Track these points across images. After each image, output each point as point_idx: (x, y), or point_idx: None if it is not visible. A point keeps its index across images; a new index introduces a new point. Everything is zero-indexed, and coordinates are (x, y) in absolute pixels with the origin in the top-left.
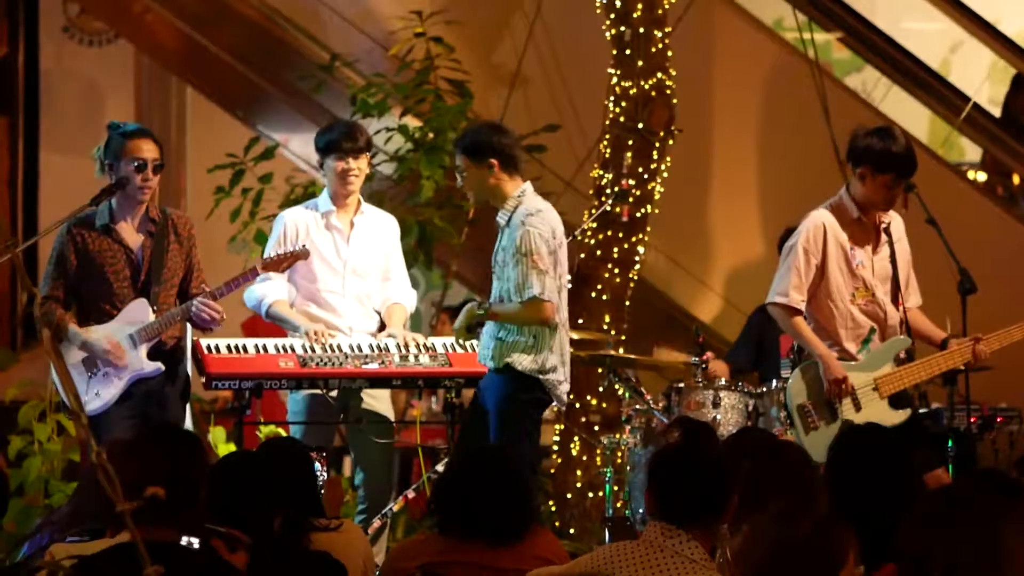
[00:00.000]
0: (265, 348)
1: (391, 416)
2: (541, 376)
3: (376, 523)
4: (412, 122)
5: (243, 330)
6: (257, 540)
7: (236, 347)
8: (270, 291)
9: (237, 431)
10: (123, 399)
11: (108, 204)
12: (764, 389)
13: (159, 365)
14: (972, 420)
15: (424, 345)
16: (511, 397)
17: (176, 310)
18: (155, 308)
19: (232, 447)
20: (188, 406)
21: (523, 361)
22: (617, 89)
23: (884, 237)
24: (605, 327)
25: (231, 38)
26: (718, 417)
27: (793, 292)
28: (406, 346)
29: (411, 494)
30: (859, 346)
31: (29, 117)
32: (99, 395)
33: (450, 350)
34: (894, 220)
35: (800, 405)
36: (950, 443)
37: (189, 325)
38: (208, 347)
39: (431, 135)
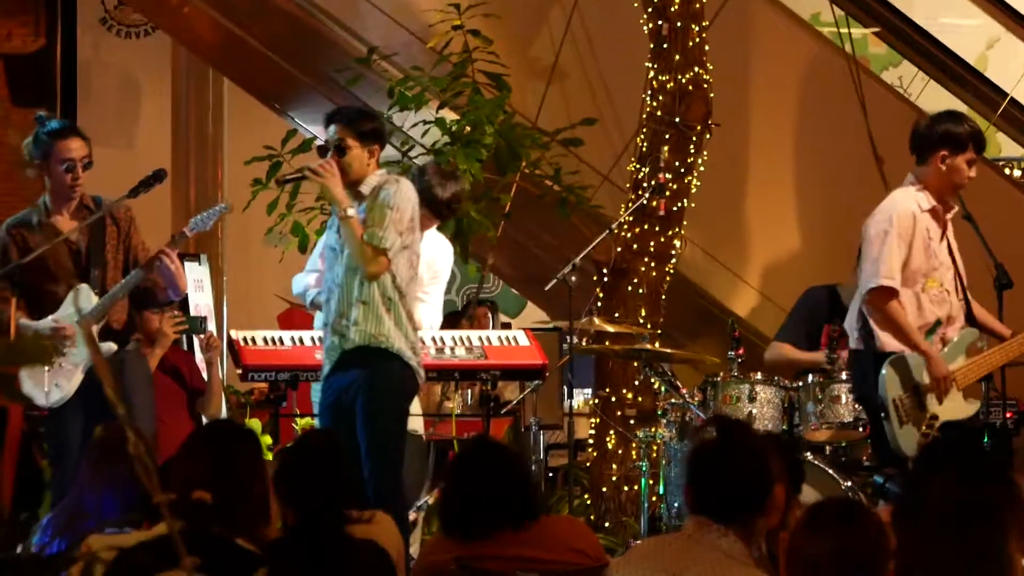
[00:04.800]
0: (301, 340)
1: (420, 409)
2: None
3: (412, 515)
4: (449, 115)
5: (279, 322)
6: (311, 526)
7: (272, 339)
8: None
9: (273, 423)
10: (82, 390)
11: (44, 200)
12: (801, 383)
13: (111, 345)
14: (1008, 416)
15: (460, 338)
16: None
17: (128, 277)
18: (98, 291)
19: (268, 439)
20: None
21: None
22: (654, 83)
23: (948, 228)
24: (641, 321)
25: (269, 31)
26: (754, 412)
27: (896, 275)
28: (440, 339)
29: None
30: (923, 337)
31: (66, 109)
32: (59, 386)
33: (485, 343)
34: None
35: (895, 399)
36: (985, 439)
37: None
38: (244, 339)
39: (468, 128)
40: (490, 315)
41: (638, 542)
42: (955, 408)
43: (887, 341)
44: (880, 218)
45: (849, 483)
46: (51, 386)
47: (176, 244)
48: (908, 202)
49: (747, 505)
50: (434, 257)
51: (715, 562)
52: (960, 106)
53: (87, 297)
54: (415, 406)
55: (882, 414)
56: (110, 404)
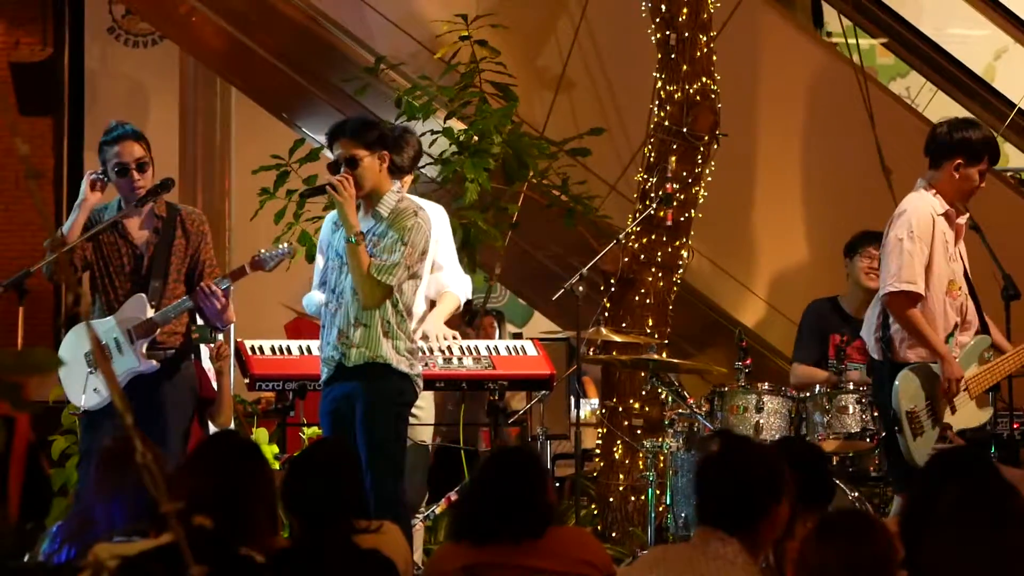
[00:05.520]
0: (309, 349)
1: (430, 418)
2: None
3: (418, 525)
4: (457, 125)
5: (286, 332)
6: (317, 536)
7: (279, 348)
8: None
9: (280, 432)
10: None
11: (118, 200)
12: (808, 394)
13: (154, 363)
14: (1015, 426)
15: (467, 348)
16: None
17: (177, 302)
18: (154, 304)
19: (275, 449)
20: (231, 413)
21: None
22: (662, 93)
23: (962, 234)
24: (648, 331)
25: (276, 40)
26: (761, 422)
27: (919, 279)
28: (448, 348)
29: (454, 496)
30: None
31: (73, 118)
32: (97, 391)
33: (493, 352)
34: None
35: (909, 411)
36: (992, 449)
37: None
38: (252, 348)
39: (475, 138)
40: (496, 325)
41: (645, 551)
42: (968, 416)
43: (906, 352)
44: (899, 222)
45: (856, 494)
46: (89, 390)
47: (236, 278)
48: (925, 206)
49: (748, 514)
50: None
51: (719, 570)
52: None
53: (142, 308)
54: (425, 415)
55: (895, 427)
56: (118, 414)
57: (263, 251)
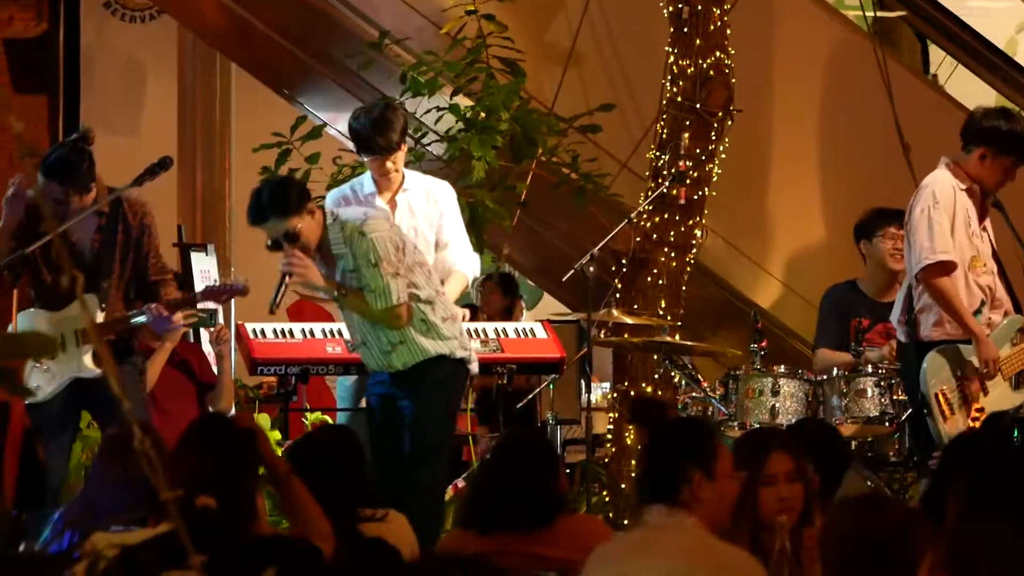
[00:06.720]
0: (312, 333)
1: None
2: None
3: None
4: (463, 101)
5: (288, 314)
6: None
7: (282, 331)
8: None
9: (282, 418)
10: (62, 395)
11: None
12: (824, 377)
13: (97, 371)
14: None
15: (475, 330)
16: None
17: (128, 315)
18: (104, 305)
19: (277, 435)
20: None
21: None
22: (674, 68)
23: (990, 213)
24: (660, 312)
25: (277, 14)
26: (777, 405)
27: (952, 248)
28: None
29: (460, 483)
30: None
31: (69, 95)
32: (39, 387)
33: (501, 335)
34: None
35: (938, 392)
36: (1016, 433)
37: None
38: (253, 331)
39: (483, 115)
40: (524, 307)
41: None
42: (1002, 398)
43: (930, 330)
44: (923, 196)
45: (876, 479)
46: (28, 381)
47: (181, 306)
48: (946, 179)
49: (669, 480)
50: (432, 203)
51: (669, 539)
52: (989, 92)
53: (93, 311)
54: None
55: (924, 410)
56: (114, 403)
57: (217, 281)
